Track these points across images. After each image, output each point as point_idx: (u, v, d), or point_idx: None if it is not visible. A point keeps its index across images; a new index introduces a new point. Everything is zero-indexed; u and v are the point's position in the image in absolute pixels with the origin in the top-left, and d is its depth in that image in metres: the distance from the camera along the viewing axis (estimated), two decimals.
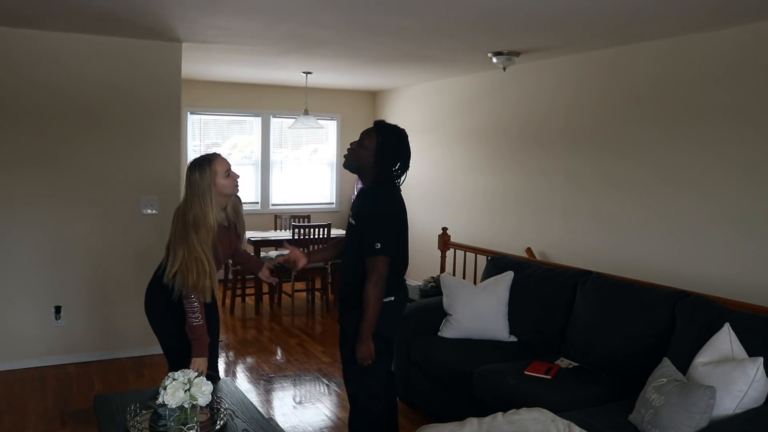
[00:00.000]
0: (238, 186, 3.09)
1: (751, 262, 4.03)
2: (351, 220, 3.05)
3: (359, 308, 2.92)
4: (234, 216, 3.15)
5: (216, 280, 2.97)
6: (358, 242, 2.93)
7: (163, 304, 3.03)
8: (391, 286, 2.95)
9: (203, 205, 2.91)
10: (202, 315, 2.95)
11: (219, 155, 3.04)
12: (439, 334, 4.07)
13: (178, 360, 3.00)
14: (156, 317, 3.16)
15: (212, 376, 3.00)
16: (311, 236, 6.57)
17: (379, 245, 2.85)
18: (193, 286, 2.88)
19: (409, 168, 3.06)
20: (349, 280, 3.02)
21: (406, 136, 3.04)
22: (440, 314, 4.14)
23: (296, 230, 6.52)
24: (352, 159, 3.02)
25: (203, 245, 2.89)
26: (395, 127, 3.04)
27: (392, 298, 2.99)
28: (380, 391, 3.09)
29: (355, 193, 8.48)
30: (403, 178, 3.05)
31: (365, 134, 2.99)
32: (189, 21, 4.30)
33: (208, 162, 2.98)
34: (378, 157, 2.94)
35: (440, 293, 4.31)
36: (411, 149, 3.07)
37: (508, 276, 4.15)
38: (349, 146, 3.05)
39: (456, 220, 6.76)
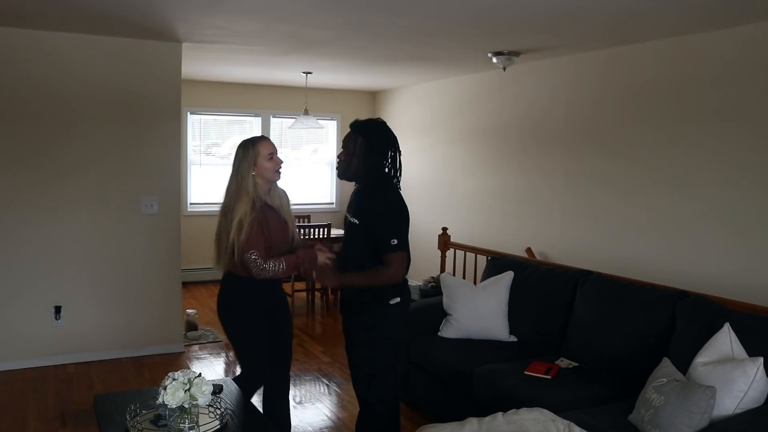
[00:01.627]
0: (279, 172, 3.09)
1: (750, 262, 4.03)
2: (352, 219, 2.97)
3: (367, 310, 2.89)
4: (280, 208, 3.15)
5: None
6: (363, 241, 2.89)
7: (242, 302, 3.06)
8: (397, 286, 2.91)
9: (243, 181, 2.97)
10: (277, 260, 2.97)
11: (266, 138, 3.09)
12: (439, 334, 4.07)
13: (252, 364, 3.08)
14: (235, 318, 3.14)
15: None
16: (311, 236, 6.57)
17: (395, 241, 2.79)
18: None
19: (400, 152, 2.97)
20: None
21: (385, 125, 2.97)
22: (440, 314, 4.14)
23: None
24: (344, 169, 2.95)
25: (245, 214, 2.92)
26: (370, 121, 2.95)
27: (398, 300, 2.93)
28: (390, 395, 3.05)
29: None
30: (398, 167, 2.96)
31: (347, 140, 2.93)
32: (189, 21, 4.30)
33: (253, 143, 3.03)
34: (367, 157, 2.88)
35: (440, 293, 4.30)
36: (398, 138, 3.00)
37: (508, 276, 4.15)
38: (338, 157, 2.99)
39: (456, 220, 6.76)
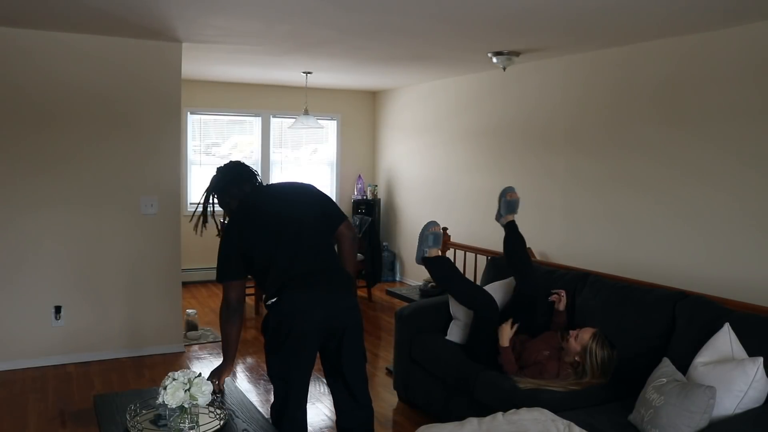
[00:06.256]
0: None
1: (750, 262, 4.02)
2: None
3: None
4: None
5: None
6: None
7: None
8: (274, 287, 2.78)
9: None
10: None
11: None
12: (447, 337, 4.03)
13: None
14: None
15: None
16: None
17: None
18: None
19: (215, 196, 3.02)
20: None
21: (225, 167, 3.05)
22: (440, 314, 4.14)
23: None
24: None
25: None
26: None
27: (273, 300, 2.78)
28: (276, 407, 2.90)
29: (356, 193, 8.49)
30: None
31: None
32: (189, 21, 4.30)
33: None
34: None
35: (440, 293, 4.31)
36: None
37: (510, 282, 4.11)
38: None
39: (456, 220, 6.76)
